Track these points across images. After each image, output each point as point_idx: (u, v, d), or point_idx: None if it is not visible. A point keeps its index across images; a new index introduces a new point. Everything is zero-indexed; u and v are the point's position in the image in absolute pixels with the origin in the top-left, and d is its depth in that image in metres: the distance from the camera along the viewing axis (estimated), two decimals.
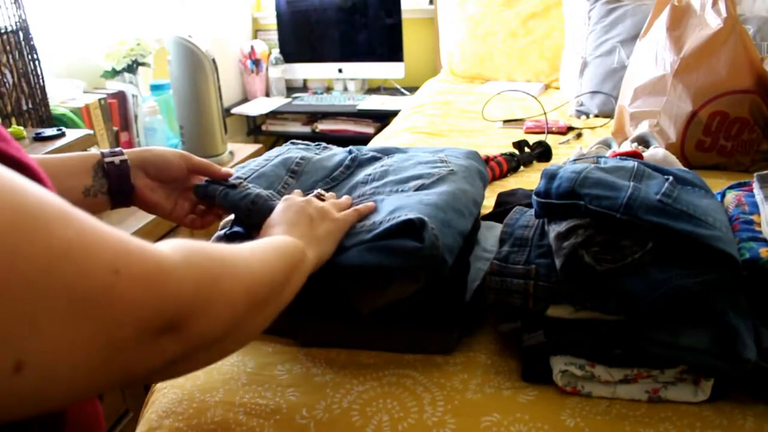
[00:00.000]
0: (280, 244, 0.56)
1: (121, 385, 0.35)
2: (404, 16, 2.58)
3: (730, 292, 0.60)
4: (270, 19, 2.80)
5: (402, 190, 0.75)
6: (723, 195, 0.79)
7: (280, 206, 0.67)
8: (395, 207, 0.68)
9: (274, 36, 2.77)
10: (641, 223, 0.60)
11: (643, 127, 1.31)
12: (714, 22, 1.27)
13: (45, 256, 0.28)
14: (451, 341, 0.70)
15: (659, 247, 0.61)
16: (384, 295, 0.65)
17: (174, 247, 0.38)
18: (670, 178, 0.68)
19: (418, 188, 0.74)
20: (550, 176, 0.69)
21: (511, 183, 1.28)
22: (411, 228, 0.63)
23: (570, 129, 1.69)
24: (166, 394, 0.68)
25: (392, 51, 2.59)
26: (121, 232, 0.34)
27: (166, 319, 0.34)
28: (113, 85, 1.77)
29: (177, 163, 0.73)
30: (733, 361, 0.57)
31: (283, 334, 0.75)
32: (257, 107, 2.59)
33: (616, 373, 0.61)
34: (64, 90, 1.58)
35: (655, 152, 1.07)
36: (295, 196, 0.69)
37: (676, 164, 1.04)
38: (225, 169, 0.76)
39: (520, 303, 0.65)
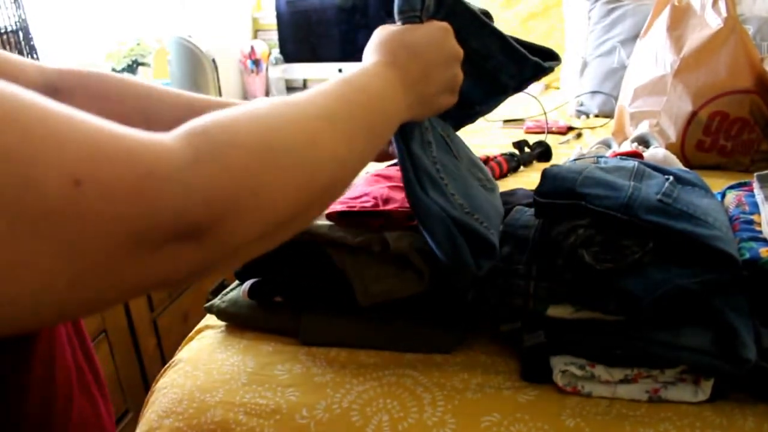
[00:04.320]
0: (376, 101, 0.44)
1: (133, 297, 0.30)
2: None
3: (730, 292, 0.60)
4: (270, 19, 2.80)
5: (475, 176, 0.72)
6: (723, 195, 0.79)
7: (422, 32, 0.52)
8: (477, 202, 0.65)
9: (274, 36, 2.77)
10: (641, 223, 0.60)
11: (643, 127, 1.31)
12: (714, 22, 1.27)
13: None
14: (452, 340, 0.70)
15: (659, 247, 0.61)
16: (385, 290, 0.65)
17: (187, 137, 0.31)
18: (671, 178, 0.68)
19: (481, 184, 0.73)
20: (550, 176, 0.69)
21: (511, 183, 1.28)
22: (485, 247, 0.61)
23: (570, 129, 1.69)
24: (166, 393, 0.68)
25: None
26: (103, 129, 0.27)
27: (171, 229, 0.29)
28: None
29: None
30: (733, 361, 0.57)
31: (284, 333, 0.75)
32: None
33: (616, 373, 0.61)
34: None
35: (656, 152, 1.07)
36: (448, 32, 0.54)
37: (676, 164, 1.04)
38: None
39: (521, 303, 0.65)
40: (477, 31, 0.65)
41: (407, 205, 0.72)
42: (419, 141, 0.61)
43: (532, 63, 0.70)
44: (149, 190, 0.27)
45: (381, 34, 0.52)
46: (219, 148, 0.31)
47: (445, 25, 0.54)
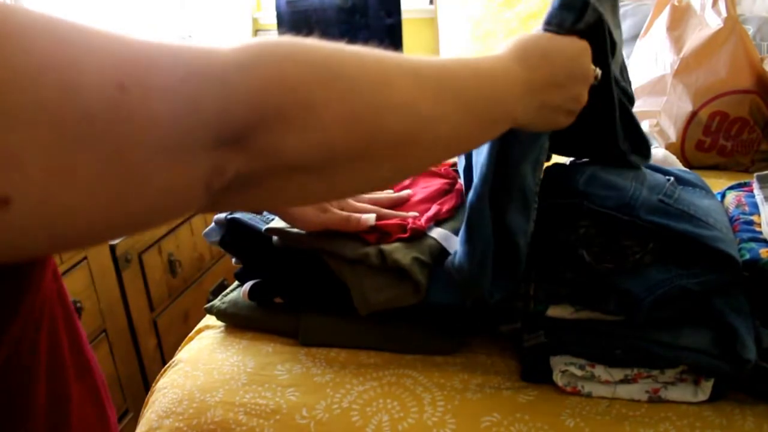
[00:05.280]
0: (485, 81, 0.41)
1: (178, 209, 0.29)
2: (404, 16, 2.58)
3: (731, 293, 0.60)
4: (270, 19, 2.80)
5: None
6: (723, 195, 0.79)
7: (560, 42, 0.50)
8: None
9: (274, 36, 2.77)
10: (642, 224, 0.60)
11: (643, 127, 1.31)
12: (714, 22, 1.27)
13: (8, 72, 0.23)
14: (452, 342, 0.70)
15: (660, 248, 0.61)
16: (383, 300, 0.65)
17: (247, 47, 0.30)
18: (671, 178, 0.68)
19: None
20: (551, 176, 0.69)
21: None
22: (511, 274, 0.61)
23: None
24: (166, 394, 0.68)
25: (392, 51, 2.59)
26: (147, 39, 0.27)
27: (214, 130, 0.28)
28: None
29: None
30: (733, 362, 0.57)
31: (284, 334, 0.75)
32: None
33: (616, 373, 0.61)
34: None
35: (656, 152, 1.07)
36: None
37: (676, 164, 1.04)
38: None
39: (522, 304, 0.65)
40: (601, 92, 0.59)
41: (399, 218, 0.71)
42: (533, 161, 0.59)
43: (618, 152, 0.64)
44: (192, 89, 0.27)
45: (521, 35, 0.50)
46: (275, 58, 0.30)
47: (585, 44, 0.52)
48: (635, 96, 1.44)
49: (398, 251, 0.66)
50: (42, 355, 0.40)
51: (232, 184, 0.30)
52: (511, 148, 0.58)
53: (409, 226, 0.70)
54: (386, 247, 0.67)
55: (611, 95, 0.60)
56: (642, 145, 0.67)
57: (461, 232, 0.61)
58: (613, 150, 0.64)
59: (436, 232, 0.70)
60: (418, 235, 0.69)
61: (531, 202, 0.60)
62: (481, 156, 0.60)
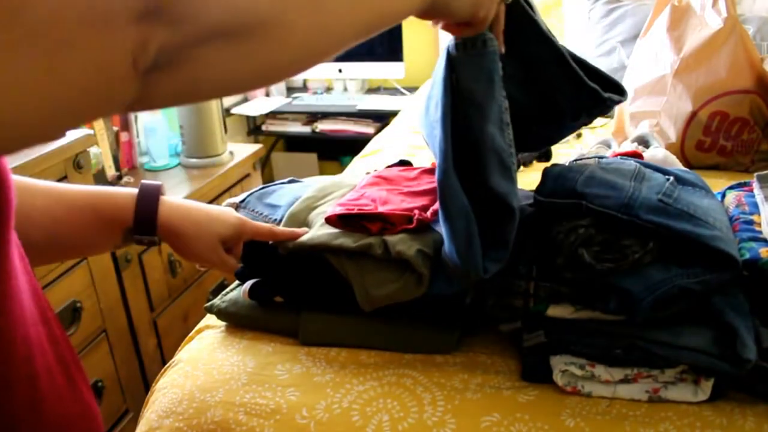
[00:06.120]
0: None
1: (111, 97, 0.30)
2: None
3: (731, 293, 0.60)
4: None
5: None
6: (723, 195, 0.79)
7: None
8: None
9: None
10: (642, 223, 0.60)
11: (643, 127, 1.31)
12: (714, 22, 1.27)
13: None
14: (452, 340, 0.70)
15: (660, 247, 0.61)
16: (386, 295, 0.65)
17: None
18: (671, 178, 0.68)
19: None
20: (551, 176, 0.69)
21: None
22: (497, 251, 0.61)
23: None
24: (166, 393, 0.68)
25: (392, 51, 2.59)
26: None
27: (131, 3, 0.29)
28: None
29: (215, 242, 0.67)
30: (733, 362, 0.57)
31: (284, 333, 0.75)
32: (257, 107, 2.58)
33: (616, 372, 0.61)
34: None
35: (656, 152, 1.07)
36: None
37: (676, 164, 1.04)
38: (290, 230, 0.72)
39: (521, 303, 0.65)
40: (536, 38, 0.64)
41: (403, 207, 0.72)
42: (497, 120, 0.59)
43: (589, 89, 0.66)
44: None
45: None
46: None
47: None
48: (636, 95, 1.44)
49: (402, 242, 0.66)
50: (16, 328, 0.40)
51: (158, 62, 0.31)
52: (470, 115, 0.58)
53: (415, 217, 0.69)
54: (390, 238, 0.67)
55: (544, 36, 0.63)
56: (610, 84, 0.69)
57: (439, 213, 0.61)
58: (585, 89, 0.66)
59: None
60: (423, 228, 0.69)
61: (509, 163, 0.61)
62: (436, 139, 0.60)
